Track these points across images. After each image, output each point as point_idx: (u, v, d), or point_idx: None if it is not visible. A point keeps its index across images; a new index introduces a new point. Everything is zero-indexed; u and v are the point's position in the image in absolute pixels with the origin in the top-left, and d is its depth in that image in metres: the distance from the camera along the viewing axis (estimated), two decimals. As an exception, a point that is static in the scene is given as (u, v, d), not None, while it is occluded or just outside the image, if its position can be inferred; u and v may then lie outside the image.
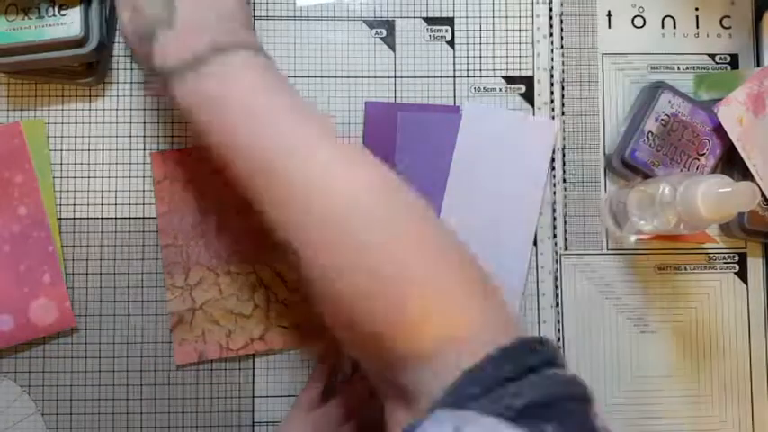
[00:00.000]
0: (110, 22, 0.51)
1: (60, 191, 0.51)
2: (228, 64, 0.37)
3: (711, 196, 0.40)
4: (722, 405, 0.51)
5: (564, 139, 0.53)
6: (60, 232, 0.50)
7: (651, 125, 0.49)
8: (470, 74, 0.53)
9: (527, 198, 0.52)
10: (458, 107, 0.52)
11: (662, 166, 0.49)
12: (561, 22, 0.53)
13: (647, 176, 0.49)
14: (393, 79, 0.52)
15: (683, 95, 0.49)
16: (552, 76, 0.53)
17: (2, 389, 0.50)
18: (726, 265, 0.52)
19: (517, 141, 0.52)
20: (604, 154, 0.52)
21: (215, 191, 0.50)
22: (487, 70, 0.53)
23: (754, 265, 0.52)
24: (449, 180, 0.51)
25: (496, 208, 0.51)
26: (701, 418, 0.51)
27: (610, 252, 0.52)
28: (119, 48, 0.52)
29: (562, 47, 0.53)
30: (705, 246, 0.52)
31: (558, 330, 0.51)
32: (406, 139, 0.51)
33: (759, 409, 0.51)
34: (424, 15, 0.53)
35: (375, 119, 0.52)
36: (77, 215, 0.51)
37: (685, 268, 0.52)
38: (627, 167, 0.50)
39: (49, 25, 0.47)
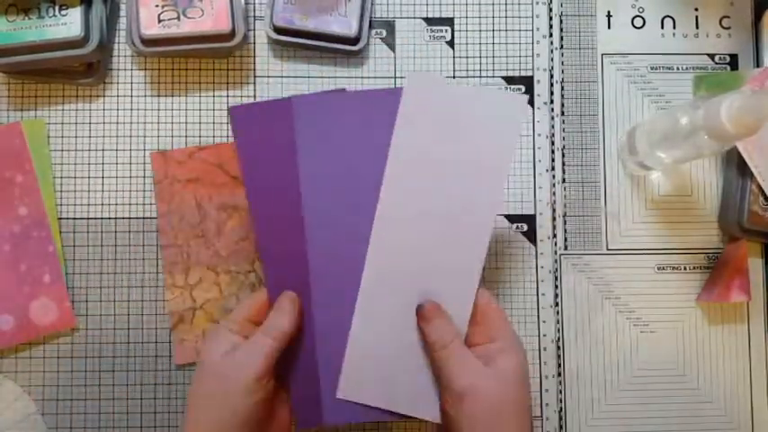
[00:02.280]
0: (110, 22, 0.51)
1: (60, 191, 0.51)
2: None
3: (735, 109, 0.39)
4: (722, 404, 0.52)
5: (563, 139, 0.53)
6: (60, 232, 0.50)
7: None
8: (470, 74, 0.53)
9: (486, 185, 0.43)
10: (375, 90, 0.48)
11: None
12: (561, 22, 0.53)
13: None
14: (393, 79, 0.53)
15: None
16: (552, 76, 0.53)
17: (2, 389, 0.50)
18: (725, 264, 0.52)
19: (472, 120, 0.43)
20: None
21: (215, 191, 0.51)
22: (487, 70, 0.53)
23: (754, 265, 0.52)
24: (387, 173, 0.43)
25: (447, 196, 0.43)
26: (701, 417, 0.51)
27: (609, 252, 0.52)
28: (119, 48, 0.52)
29: (562, 47, 0.53)
30: (705, 246, 0.52)
31: (558, 330, 0.52)
32: (307, 135, 0.44)
33: (759, 408, 0.52)
34: (424, 16, 0.53)
35: (244, 123, 0.45)
36: (77, 215, 0.51)
37: (685, 268, 0.52)
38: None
39: (50, 25, 0.47)
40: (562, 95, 0.53)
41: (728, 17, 0.54)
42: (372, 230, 0.44)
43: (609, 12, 0.54)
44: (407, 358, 0.43)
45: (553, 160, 0.52)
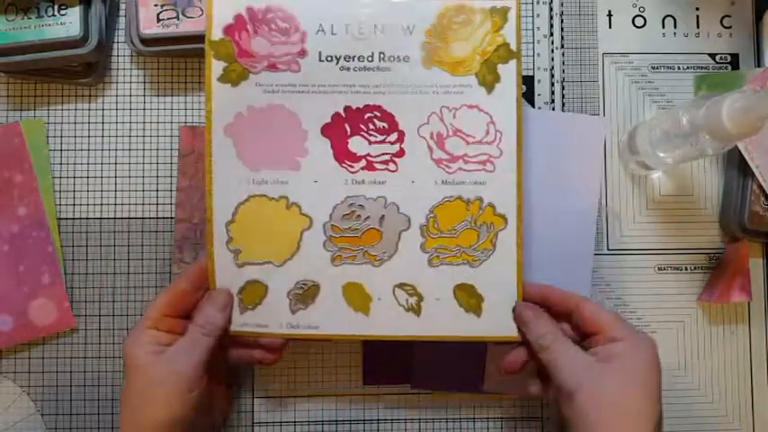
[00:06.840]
0: (109, 21, 0.51)
1: (60, 191, 0.51)
2: None
3: (736, 109, 0.38)
4: (723, 404, 0.51)
5: (564, 138, 0.53)
6: (60, 232, 0.50)
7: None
8: (470, 74, 0.53)
9: (584, 203, 0.50)
10: None
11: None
12: (561, 21, 0.53)
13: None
14: (393, 79, 0.52)
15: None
16: (553, 75, 0.53)
17: (1, 389, 0.50)
18: (726, 265, 0.52)
19: (566, 143, 0.51)
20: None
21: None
22: (488, 70, 0.53)
23: (755, 265, 0.52)
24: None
25: (553, 216, 0.50)
26: (702, 417, 0.51)
27: (610, 252, 0.52)
28: (118, 47, 0.52)
29: (562, 46, 0.53)
30: (706, 246, 0.52)
31: (559, 330, 0.51)
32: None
33: (760, 408, 0.51)
34: (424, 15, 0.53)
35: None
36: (77, 215, 0.51)
37: (686, 268, 0.52)
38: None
39: (49, 25, 0.47)
40: (563, 95, 0.53)
41: (729, 16, 0.54)
42: None
43: (610, 11, 0.53)
44: None
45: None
